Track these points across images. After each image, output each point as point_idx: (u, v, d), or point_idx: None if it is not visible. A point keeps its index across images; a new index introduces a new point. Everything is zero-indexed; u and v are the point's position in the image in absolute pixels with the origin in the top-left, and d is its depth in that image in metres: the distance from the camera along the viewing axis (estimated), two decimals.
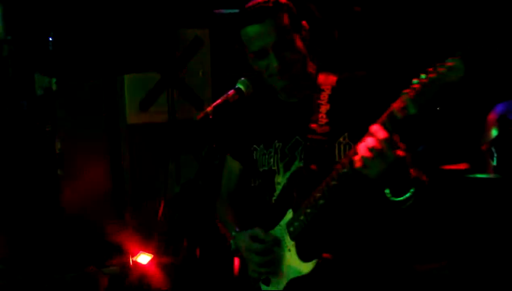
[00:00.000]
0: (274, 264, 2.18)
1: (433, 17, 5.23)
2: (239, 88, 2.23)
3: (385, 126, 1.77)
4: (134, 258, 3.89)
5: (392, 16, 5.10)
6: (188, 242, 4.02)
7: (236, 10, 5.14)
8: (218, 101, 2.19)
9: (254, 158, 2.32)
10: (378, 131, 1.77)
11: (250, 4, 2.14)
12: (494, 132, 4.29)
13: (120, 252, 3.71)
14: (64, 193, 4.57)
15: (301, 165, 2.16)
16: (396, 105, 1.76)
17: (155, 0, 3.15)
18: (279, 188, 2.22)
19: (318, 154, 2.12)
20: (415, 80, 1.73)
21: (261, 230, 2.21)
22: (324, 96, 2.16)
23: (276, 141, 2.24)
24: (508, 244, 3.74)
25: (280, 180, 2.21)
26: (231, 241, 2.31)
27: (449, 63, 1.70)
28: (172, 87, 4.52)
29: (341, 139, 2.10)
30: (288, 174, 2.19)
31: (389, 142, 1.76)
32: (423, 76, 1.72)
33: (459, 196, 4.10)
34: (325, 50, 5.04)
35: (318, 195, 1.99)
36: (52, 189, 4.60)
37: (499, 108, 4.30)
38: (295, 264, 2.13)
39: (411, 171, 1.84)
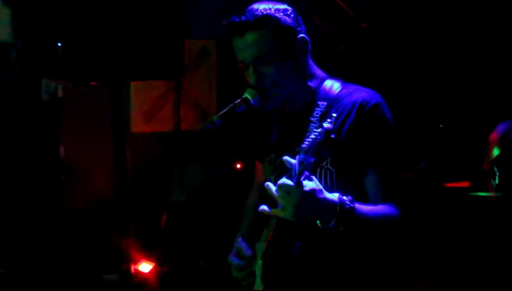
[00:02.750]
0: (251, 277, 2.19)
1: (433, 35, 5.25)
2: (246, 97, 2.22)
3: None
4: (135, 266, 3.88)
5: (396, 33, 5.12)
6: (190, 249, 4.02)
7: None
8: (225, 110, 2.19)
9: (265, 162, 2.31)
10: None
11: (239, 13, 2.06)
12: (496, 152, 4.30)
13: (122, 259, 3.68)
14: (67, 198, 4.56)
15: None
16: None
17: (163, 10, 3.14)
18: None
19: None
20: None
21: (246, 246, 2.22)
22: (317, 113, 2.04)
23: (271, 152, 2.23)
24: (509, 261, 3.74)
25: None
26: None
27: None
28: (178, 97, 4.56)
29: (323, 163, 2.04)
30: None
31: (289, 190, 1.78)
32: None
33: (461, 213, 4.10)
34: (330, 63, 5.06)
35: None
36: (55, 194, 4.59)
37: (501, 128, 4.31)
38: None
39: (327, 200, 1.83)
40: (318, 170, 2.03)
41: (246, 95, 2.27)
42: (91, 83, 3.21)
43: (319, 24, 4.99)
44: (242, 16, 2.02)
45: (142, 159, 4.58)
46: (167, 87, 4.60)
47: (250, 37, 2.03)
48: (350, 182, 2.03)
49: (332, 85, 2.14)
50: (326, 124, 1.82)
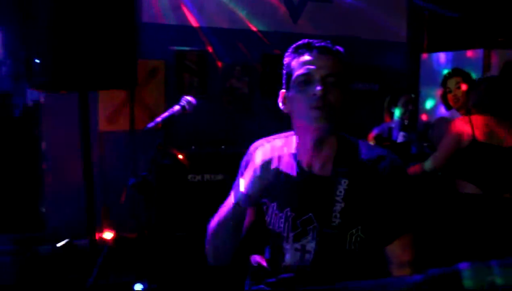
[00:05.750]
0: None
1: None
2: (182, 105, 2.17)
3: None
4: (100, 234, 3.76)
5: None
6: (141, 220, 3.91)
7: (186, 48, 5.05)
8: (166, 114, 2.13)
9: (264, 210, 1.80)
10: None
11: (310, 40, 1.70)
12: None
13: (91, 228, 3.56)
14: (47, 182, 4.38)
15: (312, 249, 1.67)
16: None
17: (120, 36, 3.02)
18: (286, 255, 1.72)
19: (329, 243, 1.64)
20: None
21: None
22: (341, 191, 1.63)
23: (289, 210, 1.71)
24: None
25: (289, 247, 1.71)
26: None
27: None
28: (134, 103, 4.45)
29: (353, 231, 1.63)
30: (296, 245, 1.70)
31: None
32: None
33: None
34: (250, 79, 5.03)
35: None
36: (38, 179, 4.41)
37: (375, 130, 4.43)
38: None
39: None
40: (349, 236, 1.63)
41: (182, 102, 2.22)
42: (61, 91, 3.08)
43: (243, 50, 4.95)
44: (323, 41, 1.67)
45: (107, 152, 4.45)
46: (126, 96, 4.47)
47: (328, 58, 1.64)
48: (377, 248, 1.63)
49: (350, 146, 1.70)
50: None
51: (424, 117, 5.60)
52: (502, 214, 3.13)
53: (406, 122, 4.27)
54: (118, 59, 3.00)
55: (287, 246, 1.71)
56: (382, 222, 1.61)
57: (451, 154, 3.30)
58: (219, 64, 4.92)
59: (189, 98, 2.22)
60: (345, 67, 1.66)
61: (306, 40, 1.68)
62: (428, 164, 3.44)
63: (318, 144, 1.66)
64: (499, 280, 0.80)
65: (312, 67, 1.62)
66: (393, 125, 4.35)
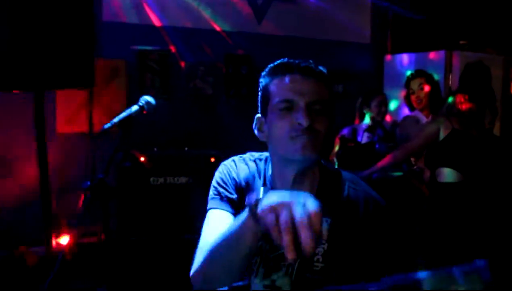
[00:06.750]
0: None
1: None
2: (141, 105, 2.10)
3: None
4: (57, 240, 3.62)
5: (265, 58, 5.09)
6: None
7: (148, 47, 4.93)
8: (123, 114, 2.05)
9: None
10: None
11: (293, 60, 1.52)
12: (337, 148, 4.37)
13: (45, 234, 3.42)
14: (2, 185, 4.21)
15: (283, 285, 1.49)
16: None
17: (76, 34, 2.91)
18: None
19: (309, 288, 1.48)
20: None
21: None
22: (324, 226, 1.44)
23: (264, 241, 1.50)
24: None
25: (257, 282, 1.53)
26: None
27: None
28: (93, 104, 4.33)
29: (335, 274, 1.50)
30: (265, 281, 1.52)
31: None
32: None
33: None
34: (215, 79, 4.96)
35: None
36: None
37: (343, 131, 4.42)
38: None
39: None
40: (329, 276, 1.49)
41: (141, 102, 2.14)
42: (14, 91, 2.94)
43: (207, 50, 4.89)
44: (308, 62, 1.50)
45: (64, 154, 4.30)
46: (85, 96, 4.34)
47: (315, 82, 1.47)
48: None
49: (332, 180, 1.54)
50: None
51: (388, 118, 5.63)
52: (482, 200, 3.29)
53: (370, 123, 4.28)
54: (75, 58, 2.88)
55: (255, 280, 1.53)
56: (365, 266, 1.47)
57: (431, 140, 3.41)
58: (182, 64, 4.83)
59: (148, 98, 2.14)
60: (329, 90, 1.51)
61: (285, 60, 1.52)
62: (413, 143, 3.53)
63: (300, 177, 1.50)
64: (462, 288, 0.75)
65: (295, 92, 1.45)
66: (363, 127, 4.35)
